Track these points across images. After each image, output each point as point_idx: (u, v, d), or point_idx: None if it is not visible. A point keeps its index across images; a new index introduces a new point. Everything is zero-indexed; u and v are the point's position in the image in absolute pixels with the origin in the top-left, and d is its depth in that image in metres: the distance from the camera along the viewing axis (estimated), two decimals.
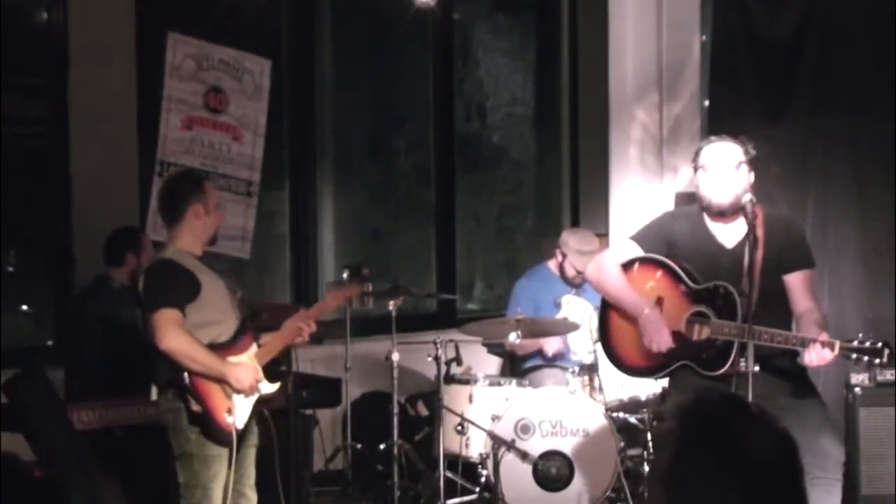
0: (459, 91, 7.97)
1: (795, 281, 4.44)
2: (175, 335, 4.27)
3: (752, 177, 4.42)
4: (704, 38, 6.91)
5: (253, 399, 4.48)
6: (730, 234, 4.46)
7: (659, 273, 4.52)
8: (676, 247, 4.51)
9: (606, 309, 4.69)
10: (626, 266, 4.58)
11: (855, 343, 4.12)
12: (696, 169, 4.46)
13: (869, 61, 6.17)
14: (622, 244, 4.71)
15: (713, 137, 4.51)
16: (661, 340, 4.41)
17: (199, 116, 6.27)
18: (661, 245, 4.53)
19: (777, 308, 4.41)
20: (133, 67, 6.15)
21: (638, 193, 7.07)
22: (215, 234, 4.59)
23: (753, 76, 6.50)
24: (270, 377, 4.60)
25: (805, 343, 4.16)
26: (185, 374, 4.31)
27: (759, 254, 4.31)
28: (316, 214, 7.22)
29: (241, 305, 4.60)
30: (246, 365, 4.43)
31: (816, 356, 4.12)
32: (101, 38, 6.02)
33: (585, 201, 8.01)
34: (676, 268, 4.48)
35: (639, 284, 4.55)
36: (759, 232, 4.34)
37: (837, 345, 4.12)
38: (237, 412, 4.39)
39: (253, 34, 6.80)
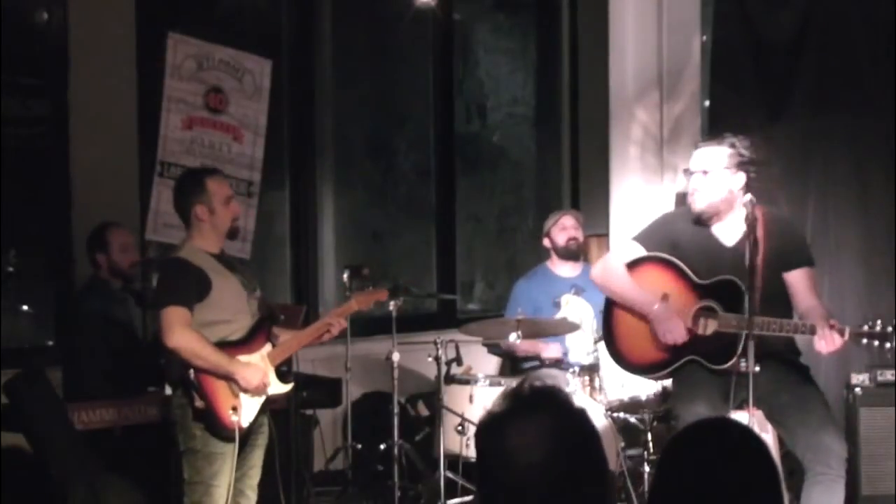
0: (459, 91, 7.97)
1: (796, 279, 4.47)
2: (180, 333, 4.27)
3: (738, 179, 4.43)
4: (704, 38, 6.90)
5: (260, 399, 4.47)
6: (729, 232, 4.48)
7: (663, 270, 4.53)
8: (680, 247, 4.53)
9: (610, 310, 4.69)
10: (631, 265, 4.58)
11: (865, 328, 4.16)
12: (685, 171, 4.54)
13: (869, 61, 6.17)
14: (625, 245, 4.71)
15: (702, 142, 4.55)
16: (676, 331, 4.42)
17: (199, 116, 6.26)
18: (664, 245, 4.55)
19: (780, 306, 4.43)
20: (133, 67, 6.14)
21: (638, 193, 7.06)
22: (233, 228, 4.55)
23: (753, 76, 6.50)
24: (281, 378, 4.60)
25: (814, 330, 4.17)
26: (191, 371, 4.31)
27: (760, 253, 4.32)
28: (316, 214, 7.21)
29: (260, 304, 4.59)
30: (255, 365, 4.42)
31: (827, 342, 4.14)
32: (101, 38, 6.01)
33: (585, 201, 8.01)
34: (681, 264, 4.49)
35: (644, 283, 4.55)
36: (759, 231, 4.35)
37: (848, 330, 4.15)
38: (243, 411, 4.39)
39: (253, 34, 6.80)
